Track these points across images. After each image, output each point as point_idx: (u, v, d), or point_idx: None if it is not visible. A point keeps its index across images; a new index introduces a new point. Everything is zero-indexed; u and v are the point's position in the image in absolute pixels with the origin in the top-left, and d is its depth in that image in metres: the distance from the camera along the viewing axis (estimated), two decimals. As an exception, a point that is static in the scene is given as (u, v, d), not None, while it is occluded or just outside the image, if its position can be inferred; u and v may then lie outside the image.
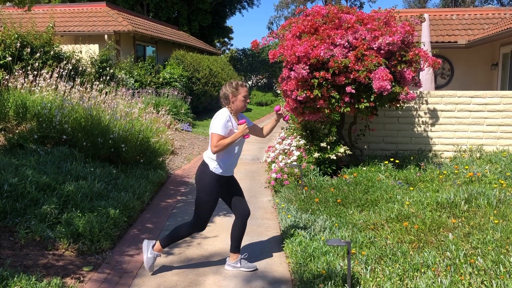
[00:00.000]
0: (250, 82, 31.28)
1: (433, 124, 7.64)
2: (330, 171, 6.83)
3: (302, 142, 7.37)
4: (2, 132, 6.73)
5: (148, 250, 3.89)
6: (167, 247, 4.09)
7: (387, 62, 5.98)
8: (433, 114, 7.62)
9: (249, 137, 3.86)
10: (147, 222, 5.28)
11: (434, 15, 14.56)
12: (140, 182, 6.18)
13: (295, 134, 8.33)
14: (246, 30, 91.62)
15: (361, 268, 3.61)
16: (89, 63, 11.54)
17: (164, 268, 4.04)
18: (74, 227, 4.34)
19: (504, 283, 3.13)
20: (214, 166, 3.79)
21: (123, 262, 4.14)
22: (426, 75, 9.65)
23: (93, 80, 9.52)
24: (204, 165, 3.85)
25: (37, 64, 8.63)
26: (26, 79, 7.49)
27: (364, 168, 6.54)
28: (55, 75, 7.84)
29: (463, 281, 3.24)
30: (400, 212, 4.68)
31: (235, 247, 4.02)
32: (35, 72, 8.16)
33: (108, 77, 11.04)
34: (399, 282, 3.35)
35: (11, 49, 9.12)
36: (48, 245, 4.16)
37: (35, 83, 7.49)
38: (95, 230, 4.36)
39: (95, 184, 5.39)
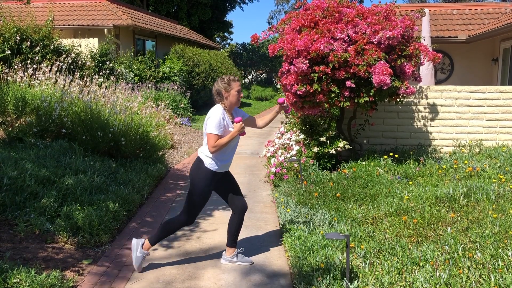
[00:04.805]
0: (250, 77, 31.21)
1: (432, 119, 7.63)
2: (330, 165, 6.83)
3: (302, 136, 7.37)
4: (2, 125, 6.73)
5: (138, 249, 3.81)
6: (156, 244, 3.99)
7: (387, 57, 5.97)
8: (433, 109, 7.62)
9: (245, 135, 3.83)
10: (147, 215, 5.29)
11: (435, 9, 14.51)
12: (140, 176, 6.18)
13: (294, 128, 8.33)
14: (246, 25, 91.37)
15: (360, 262, 3.62)
16: (88, 57, 11.52)
17: (163, 261, 4.06)
18: (73, 220, 4.35)
19: (502, 277, 3.14)
20: (209, 163, 3.78)
21: (122, 255, 4.15)
22: (426, 70, 9.63)
23: (93, 74, 9.51)
24: (199, 161, 3.85)
25: (36, 57, 8.61)
26: (25, 73, 7.48)
27: (364, 163, 6.54)
28: (55, 68, 7.83)
29: (461, 275, 3.25)
30: (399, 206, 4.68)
31: (232, 241, 4.02)
32: (35, 66, 8.15)
33: (107, 71, 11.03)
34: (397, 275, 3.36)
35: (10, 43, 9.10)
36: (47, 238, 4.16)
37: (34, 77, 7.48)
38: (95, 223, 4.36)
39: (95, 177, 5.39)
